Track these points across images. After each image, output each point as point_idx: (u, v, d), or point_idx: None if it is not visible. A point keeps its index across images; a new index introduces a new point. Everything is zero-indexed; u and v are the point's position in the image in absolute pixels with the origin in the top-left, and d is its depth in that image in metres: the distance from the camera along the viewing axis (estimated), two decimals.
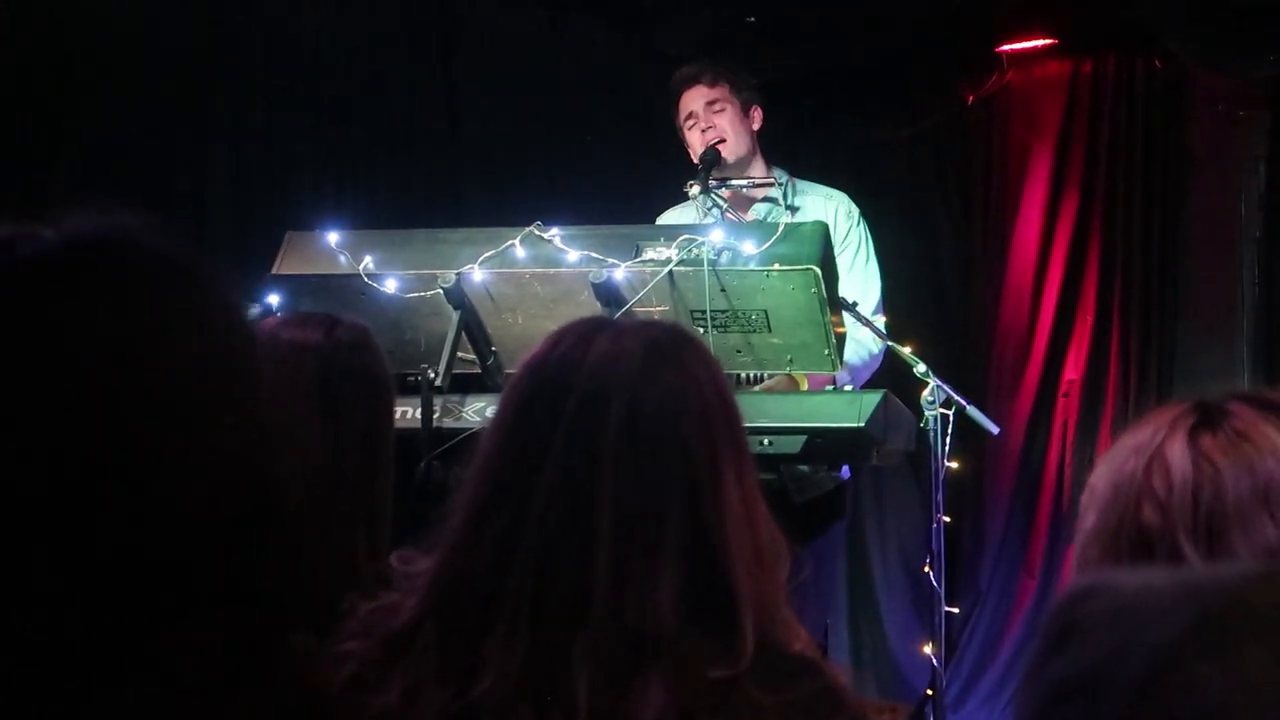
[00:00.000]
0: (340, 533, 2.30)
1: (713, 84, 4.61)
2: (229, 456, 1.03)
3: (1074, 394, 6.24)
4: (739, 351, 3.66)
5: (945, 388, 3.87)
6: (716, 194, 4.42)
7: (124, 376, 1.00)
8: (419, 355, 3.72)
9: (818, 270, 3.56)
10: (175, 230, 1.08)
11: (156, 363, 1.02)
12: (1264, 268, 5.93)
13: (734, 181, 4.50)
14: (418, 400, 3.55)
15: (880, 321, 4.36)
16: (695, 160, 4.53)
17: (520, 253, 3.70)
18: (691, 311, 3.62)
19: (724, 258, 3.62)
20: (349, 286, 3.77)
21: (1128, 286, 6.21)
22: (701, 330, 3.55)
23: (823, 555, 4.19)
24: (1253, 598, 0.86)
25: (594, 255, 3.63)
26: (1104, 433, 6.12)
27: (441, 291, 3.68)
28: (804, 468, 3.92)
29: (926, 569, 3.97)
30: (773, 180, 4.59)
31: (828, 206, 4.57)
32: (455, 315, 3.69)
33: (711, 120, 4.56)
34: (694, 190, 4.38)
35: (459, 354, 3.70)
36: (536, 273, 3.70)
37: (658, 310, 3.61)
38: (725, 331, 3.62)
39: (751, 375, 4.15)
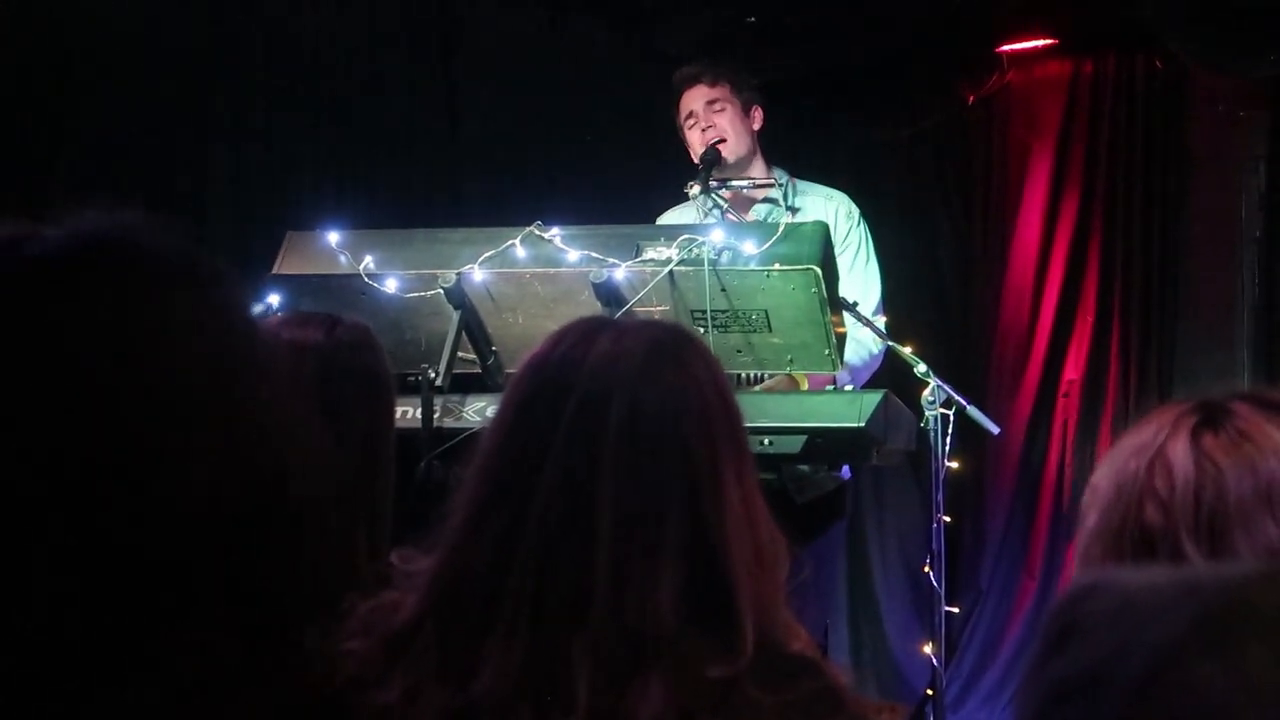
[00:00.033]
0: (340, 533, 2.30)
1: (713, 84, 4.61)
2: (229, 456, 1.03)
3: (1074, 394, 6.24)
4: (739, 351, 3.66)
5: (946, 388, 3.87)
6: (717, 194, 4.42)
7: (124, 376, 1.00)
8: (419, 355, 3.72)
9: (818, 270, 3.56)
10: (177, 229, 1.08)
11: (156, 362, 1.02)
12: (1264, 268, 5.93)
13: (734, 182, 4.50)
14: (418, 400, 3.55)
15: (881, 322, 4.36)
16: (695, 160, 4.53)
17: (520, 253, 3.70)
18: (692, 311, 3.62)
19: (724, 257, 3.62)
20: (349, 286, 3.76)
21: (1128, 286, 6.21)
22: (702, 330, 3.55)
23: (823, 555, 4.19)
24: (1254, 597, 0.86)
25: (594, 255, 3.63)
26: (1104, 433, 6.12)
27: (442, 291, 3.68)
28: (804, 468, 3.92)
29: (927, 569, 3.96)
30: (773, 181, 4.59)
31: (828, 207, 4.57)
32: (455, 315, 3.69)
33: (712, 120, 4.56)
34: (694, 191, 4.38)
35: (459, 354, 3.70)
36: (537, 272, 3.70)
37: (658, 310, 3.61)
38: (726, 331, 3.62)
39: (752, 375, 4.15)
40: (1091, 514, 1.59)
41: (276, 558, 1.05)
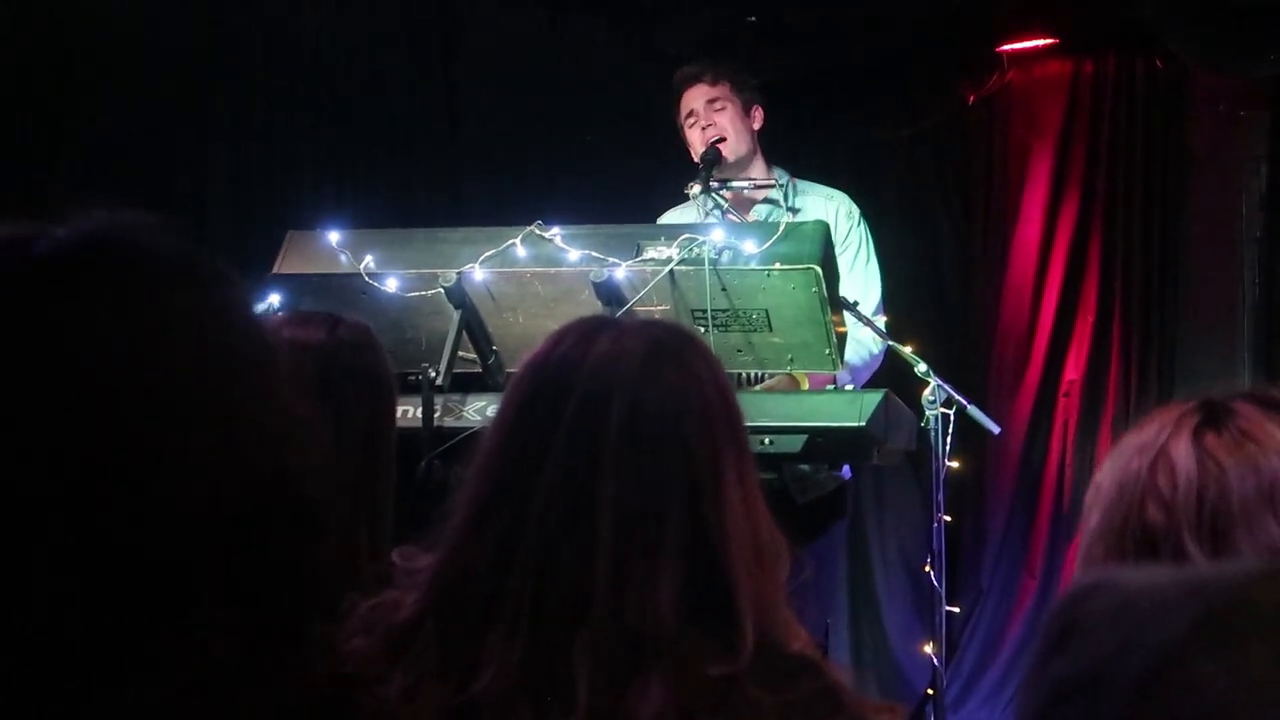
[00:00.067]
0: (341, 532, 2.30)
1: (714, 83, 4.60)
2: (230, 455, 1.03)
3: (1074, 394, 6.24)
4: (740, 351, 3.66)
5: (946, 387, 3.87)
6: (718, 194, 4.42)
7: (124, 375, 1.00)
8: (420, 354, 3.72)
9: (818, 269, 3.56)
10: (178, 229, 1.08)
11: (157, 362, 1.02)
12: (1264, 268, 5.93)
13: (735, 183, 4.50)
14: (419, 399, 3.55)
15: (881, 321, 4.36)
16: (695, 159, 4.53)
17: (521, 252, 3.70)
18: (692, 311, 3.62)
19: (725, 257, 3.62)
20: (350, 286, 3.76)
21: (1128, 286, 6.21)
22: (702, 329, 3.55)
23: (823, 555, 4.19)
24: (1256, 596, 0.86)
25: (595, 254, 3.63)
26: (1104, 432, 6.12)
27: (442, 291, 3.68)
28: (806, 467, 3.92)
29: (927, 568, 3.96)
30: (773, 182, 4.59)
31: (828, 207, 4.57)
32: (456, 314, 3.69)
33: (712, 118, 4.56)
34: (694, 191, 4.38)
35: (460, 353, 3.70)
36: (537, 272, 3.70)
37: (658, 309, 3.61)
38: (726, 331, 3.62)
39: (752, 375, 4.15)
40: (1094, 513, 1.59)
41: (278, 557, 1.05)
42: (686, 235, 3.62)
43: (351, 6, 5.90)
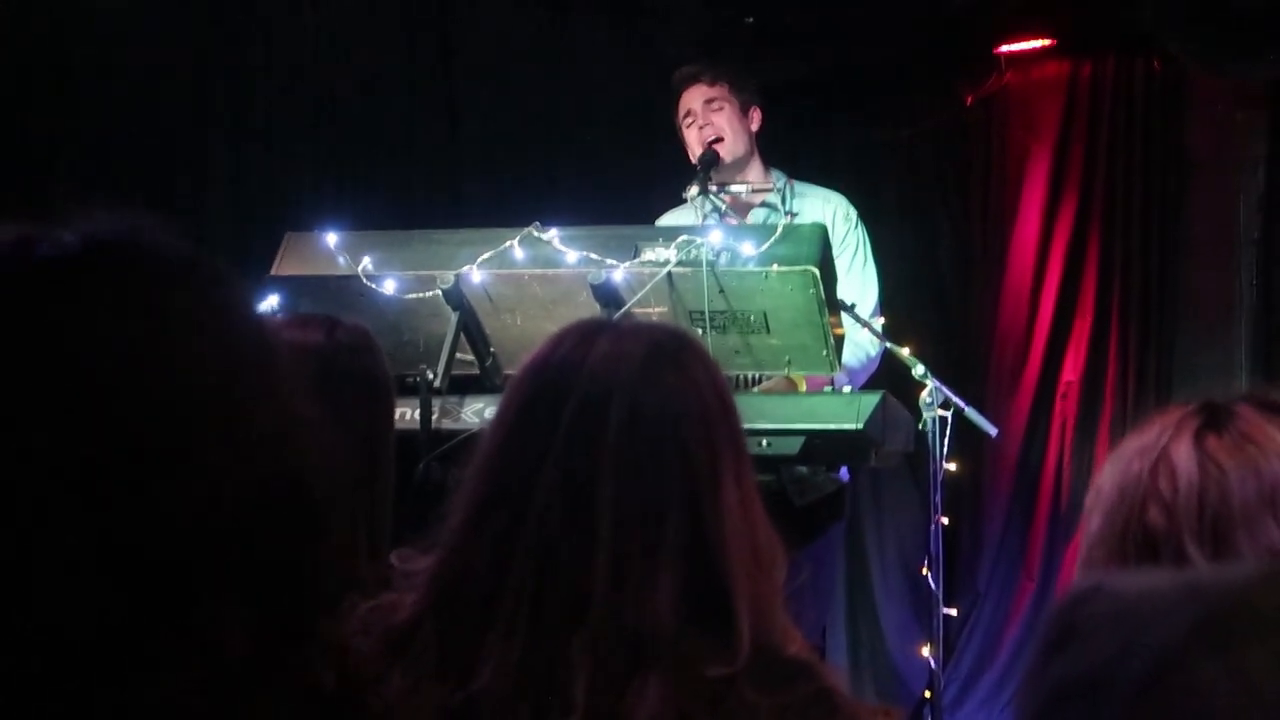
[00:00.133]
0: (341, 534, 2.30)
1: (712, 83, 4.60)
2: (231, 455, 1.03)
3: (1072, 395, 6.24)
4: (737, 353, 3.66)
5: (944, 389, 3.87)
6: (716, 197, 4.42)
7: (124, 376, 1.01)
8: (418, 356, 3.72)
9: (816, 271, 3.56)
10: (181, 231, 1.08)
11: (157, 362, 1.02)
12: (1262, 269, 5.93)
13: (733, 187, 4.49)
14: (416, 401, 3.55)
15: (878, 323, 4.35)
16: (693, 161, 4.53)
17: (519, 254, 3.70)
18: (690, 312, 3.62)
19: (722, 259, 3.62)
20: (348, 288, 3.76)
21: (1126, 288, 6.21)
22: (700, 331, 3.55)
23: (821, 557, 4.18)
24: (1256, 599, 0.86)
25: (593, 256, 3.63)
26: (1102, 434, 6.12)
27: (440, 292, 3.68)
28: (803, 469, 3.92)
29: (925, 570, 3.96)
30: (771, 185, 4.58)
31: (825, 209, 4.57)
32: (454, 316, 3.69)
33: (709, 118, 4.56)
34: (692, 193, 4.38)
35: (458, 355, 3.70)
36: (535, 274, 3.70)
37: (656, 311, 3.61)
38: (724, 333, 3.62)
39: (750, 377, 4.14)
40: (1095, 516, 1.59)
41: (279, 556, 1.05)
42: (684, 237, 3.62)
43: (351, 7, 5.90)
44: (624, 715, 1.60)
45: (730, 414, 1.77)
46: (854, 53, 6.14)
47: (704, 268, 3.57)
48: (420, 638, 1.69)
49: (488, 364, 3.77)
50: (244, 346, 1.09)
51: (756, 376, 4.14)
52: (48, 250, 1.04)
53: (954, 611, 4.39)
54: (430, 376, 3.58)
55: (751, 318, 3.61)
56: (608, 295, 3.58)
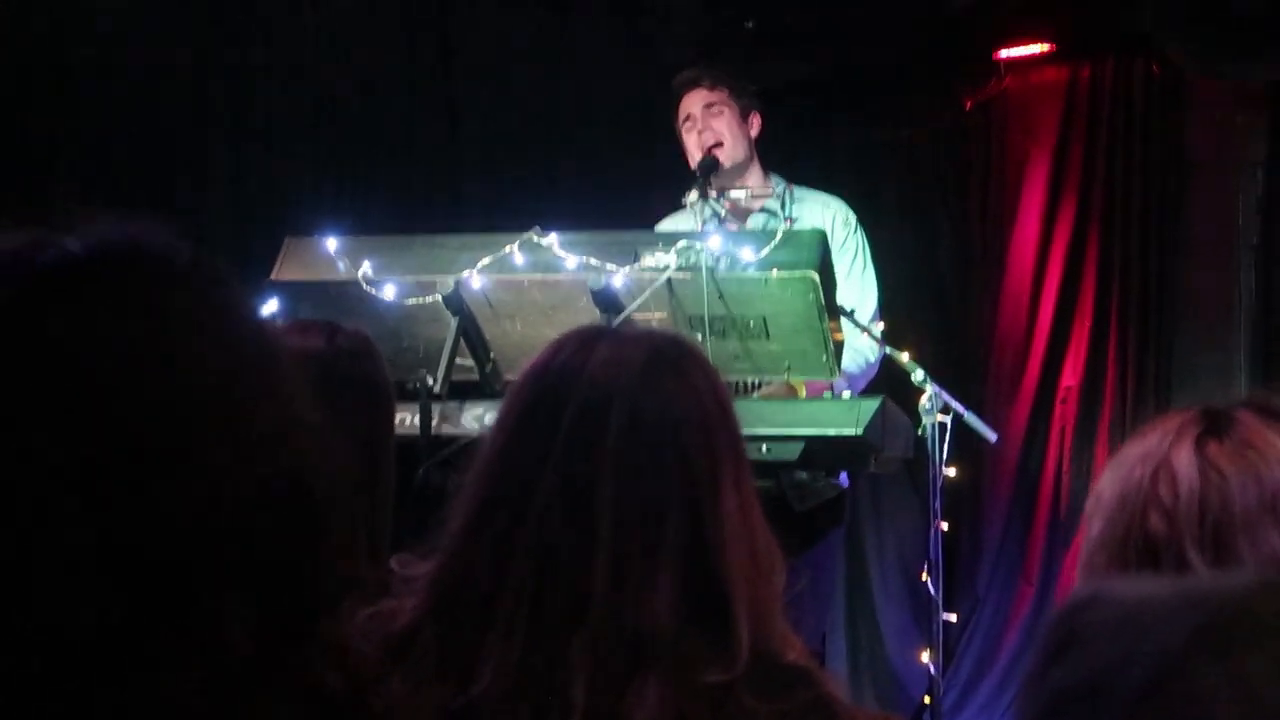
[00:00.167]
0: (341, 535, 2.29)
1: (712, 88, 4.60)
2: (231, 456, 1.03)
3: (1071, 400, 6.23)
4: (737, 358, 3.66)
5: (943, 394, 3.87)
6: (715, 202, 4.42)
7: (124, 377, 1.01)
8: (417, 362, 3.72)
9: (816, 276, 3.56)
10: (181, 232, 1.09)
11: (156, 363, 1.02)
12: (1261, 272, 5.92)
13: (733, 193, 4.49)
14: (416, 407, 3.54)
15: (878, 328, 4.35)
16: (692, 167, 4.52)
17: (519, 259, 3.70)
18: (690, 318, 3.62)
19: (722, 264, 3.62)
20: (348, 293, 3.76)
21: (1125, 292, 6.20)
22: (700, 336, 3.55)
23: (821, 562, 4.18)
24: (1256, 607, 0.86)
25: (592, 261, 3.63)
26: (1102, 439, 6.11)
27: (440, 298, 3.68)
28: (803, 474, 3.92)
29: (924, 576, 3.96)
30: (770, 190, 4.58)
31: (825, 214, 4.56)
32: (454, 322, 3.69)
33: (709, 123, 4.55)
34: (691, 198, 4.37)
35: (457, 360, 3.70)
36: (535, 279, 3.70)
37: (656, 317, 3.61)
38: (723, 338, 3.62)
39: (750, 382, 4.14)
40: (1096, 522, 1.59)
41: (280, 556, 1.06)
42: (684, 242, 3.62)
43: (351, 6, 5.90)
44: (623, 716, 1.61)
45: (730, 420, 1.77)
46: (853, 57, 6.14)
47: (704, 273, 3.57)
48: (420, 641, 1.69)
49: (487, 369, 3.77)
50: (244, 346, 1.09)
51: (756, 382, 4.14)
52: (52, 255, 1.04)
53: (953, 617, 4.38)
54: (430, 382, 3.58)
55: (751, 323, 3.61)
56: (607, 300, 3.58)
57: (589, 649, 1.63)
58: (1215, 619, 0.86)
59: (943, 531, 3.94)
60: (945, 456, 3.85)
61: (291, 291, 3.79)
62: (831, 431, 3.49)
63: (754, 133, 4.63)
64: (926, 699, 4.11)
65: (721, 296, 3.59)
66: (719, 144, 4.51)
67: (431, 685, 1.66)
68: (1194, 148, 6.14)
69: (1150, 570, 1.50)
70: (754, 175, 4.61)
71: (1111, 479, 1.60)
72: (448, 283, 3.66)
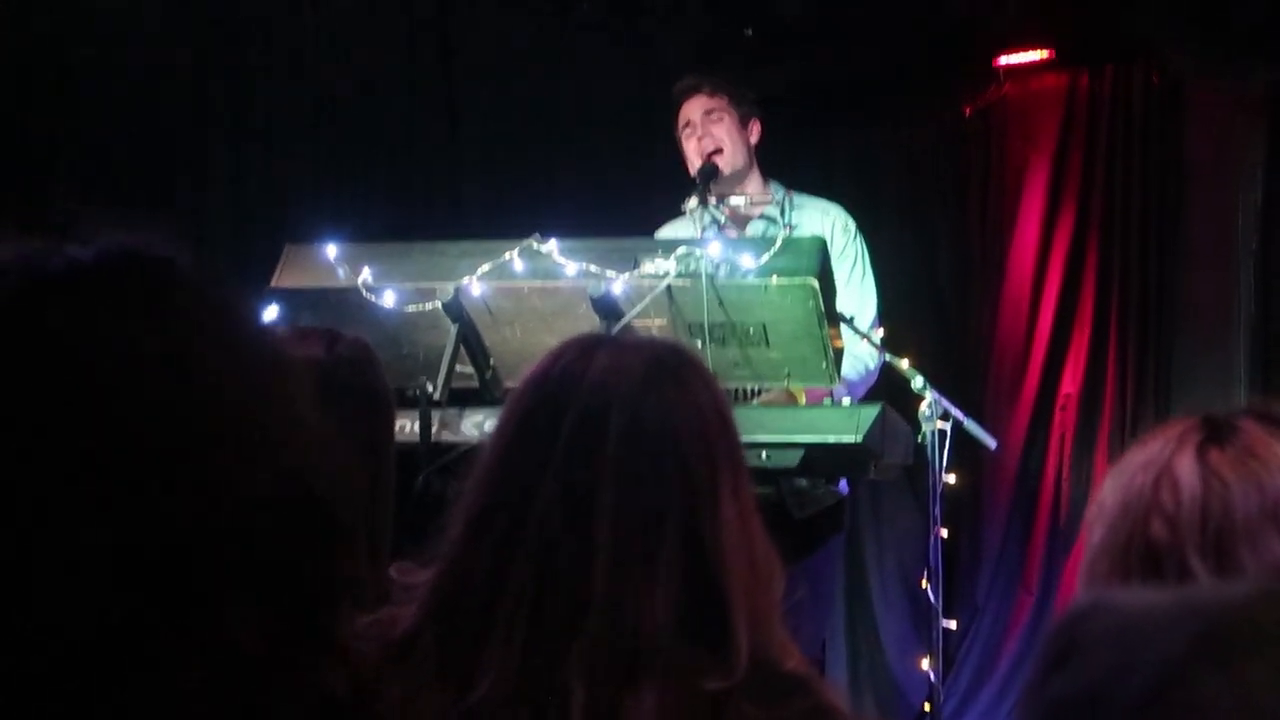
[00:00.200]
0: (342, 539, 2.29)
1: (712, 94, 4.60)
2: (231, 456, 1.03)
3: (1071, 407, 6.23)
4: (737, 365, 3.66)
5: (943, 401, 3.87)
6: (715, 209, 4.42)
7: (125, 378, 1.01)
8: (417, 369, 3.71)
9: (815, 284, 3.56)
10: (181, 232, 1.09)
11: (158, 365, 1.02)
12: (1261, 279, 5.92)
13: (732, 200, 4.49)
14: (416, 414, 3.54)
15: (877, 335, 4.35)
16: (692, 173, 4.52)
17: (518, 266, 3.69)
18: (689, 325, 3.62)
19: (722, 271, 3.62)
20: (347, 300, 3.76)
21: (1125, 298, 6.20)
22: (699, 344, 3.55)
23: (820, 569, 4.18)
24: (1258, 615, 0.86)
25: (592, 268, 3.63)
26: (1101, 446, 6.11)
27: (440, 305, 3.68)
28: (803, 482, 3.92)
29: (924, 583, 3.96)
30: (770, 197, 4.58)
31: (824, 221, 4.56)
32: (453, 329, 3.69)
33: (709, 129, 4.55)
34: (691, 205, 4.37)
35: (457, 367, 3.69)
36: (535, 286, 3.70)
37: (656, 324, 3.61)
38: (723, 345, 3.61)
39: (749, 389, 4.14)
40: (1097, 529, 1.59)
41: (283, 557, 1.06)
42: (684, 249, 3.62)
43: (351, 6, 5.90)
44: None
45: (729, 429, 1.78)
46: (852, 63, 6.15)
47: (703, 280, 3.57)
48: (420, 646, 1.70)
49: (487, 376, 3.77)
50: (246, 347, 1.10)
51: (756, 389, 4.14)
52: (55, 258, 1.04)
53: (953, 624, 4.38)
54: (430, 389, 3.58)
55: (751, 330, 3.61)
56: (607, 308, 3.58)
57: (588, 655, 1.63)
58: (1216, 627, 0.86)
59: (942, 538, 3.94)
60: (945, 463, 3.85)
61: (291, 298, 3.78)
62: (831, 438, 3.49)
63: (754, 139, 4.63)
64: (926, 706, 4.11)
65: (721, 303, 3.59)
66: (718, 150, 4.51)
67: (431, 690, 1.66)
68: (1193, 154, 6.14)
69: (1152, 577, 1.50)
70: (753, 182, 4.61)
71: (1113, 486, 1.59)
72: (447, 289, 3.66)
